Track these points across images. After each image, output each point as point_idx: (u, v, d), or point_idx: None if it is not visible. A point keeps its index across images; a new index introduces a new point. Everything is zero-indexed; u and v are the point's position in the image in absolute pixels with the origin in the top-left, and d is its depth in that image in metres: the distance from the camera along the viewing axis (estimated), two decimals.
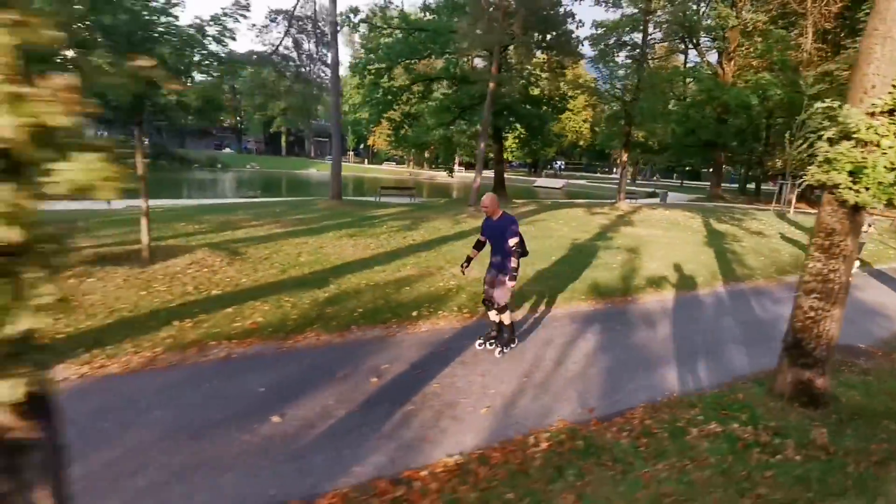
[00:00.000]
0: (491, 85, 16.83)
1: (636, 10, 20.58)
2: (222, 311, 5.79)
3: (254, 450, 3.33)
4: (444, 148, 22.31)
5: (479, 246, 5.21)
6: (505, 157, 40.40)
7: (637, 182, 58.47)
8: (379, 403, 4.03)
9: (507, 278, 4.76)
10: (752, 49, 28.84)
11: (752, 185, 35.70)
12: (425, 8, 21.80)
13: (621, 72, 21.56)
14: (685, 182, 60.64)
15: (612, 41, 21.68)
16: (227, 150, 72.71)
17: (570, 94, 22.58)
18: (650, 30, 23.21)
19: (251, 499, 2.86)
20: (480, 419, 3.91)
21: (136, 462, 3.11)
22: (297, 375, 4.41)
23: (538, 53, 19.12)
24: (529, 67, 20.16)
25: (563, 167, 76.65)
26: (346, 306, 6.24)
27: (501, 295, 4.90)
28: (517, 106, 20.21)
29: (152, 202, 17.42)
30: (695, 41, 30.22)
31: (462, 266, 5.23)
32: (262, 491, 2.94)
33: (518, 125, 21.09)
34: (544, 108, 21.86)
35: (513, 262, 4.71)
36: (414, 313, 6.19)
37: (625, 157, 21.87)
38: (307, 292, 6.66)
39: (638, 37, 21.73)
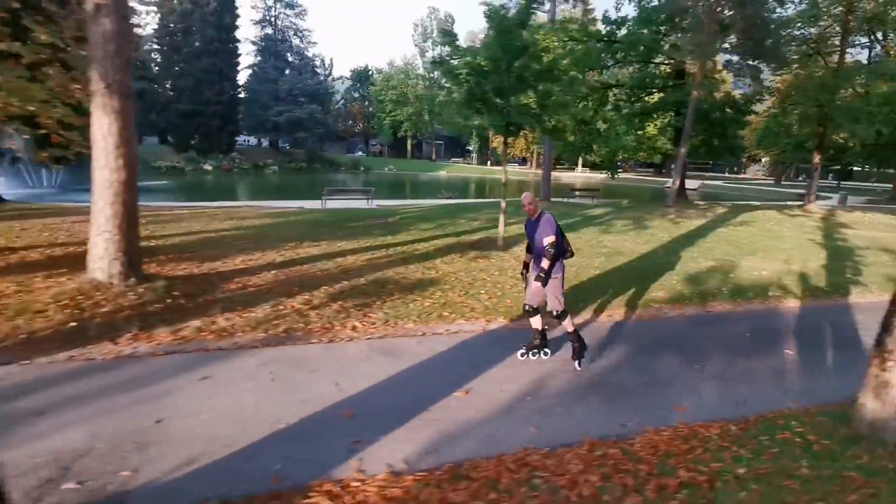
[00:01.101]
0: (694, 93, 17.82)
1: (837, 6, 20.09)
2: (627, 285, 7.72)
3: (786, 367, 5.06)
4: (632, 151, 23.56)
5: (530, 249, 4.93)
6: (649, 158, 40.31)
7: (781, 183, 54.79)
8: (816, 349, 5.62)
9: (557, 279, 4.52)
10: None
11: None
12: (607, 20, 23.07)
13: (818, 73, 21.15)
14: (841, 182, 55.51)
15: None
16: (360, 153, 79.40)
17: (758, 98, 22.72)
18: (823, 23, 22.22)
19: (820, 392, 4.53)
20: None
21: (709, 373, 4.98)
22: (761, 328, 6.15)
23: (733, 59, 19.70)
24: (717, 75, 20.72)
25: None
26: (707, 286, 7.90)
27: (553, 302, 4.59)
28: (712, 111, 20.91)
29: (379, 202, 20.31)
30: (883, 34, 28.32)
31: (522, 273, 5.04)
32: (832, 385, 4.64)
33: (704, 128, 21.62)
34: (728, 110, 22.24)
35: (544, 263, 4.38)
36: (770, 293, 7.73)
37: (817, 159, 21.58)
38: (660, 277, 8.41)
39: (808, 31, 21.09)
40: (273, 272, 7.43)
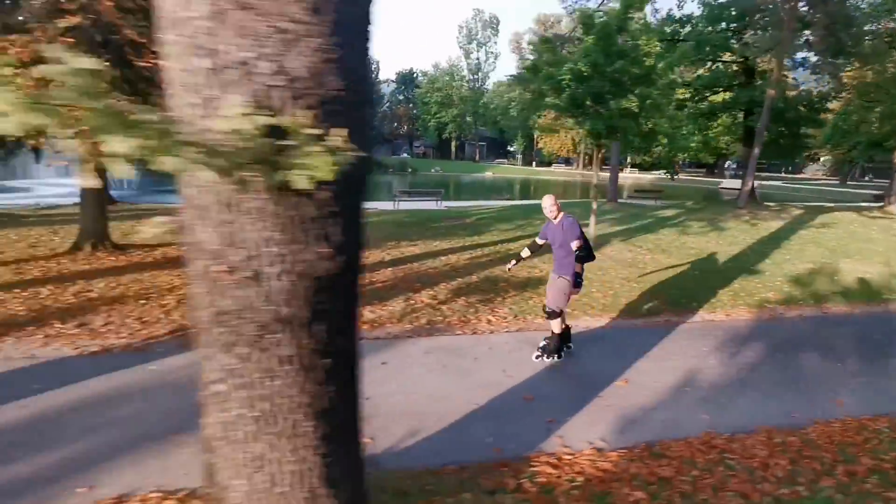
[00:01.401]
0: (770, 91, 17.42)
1: None
2: (731, 285, 7.81)
3: None
4: (694, 152, 23.24)
5: (533, 248, 5.04)
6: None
7: (847, 184, 52.23)
8: None
9: (567, 281, 4.55)
10: None
11: None
12: (671, 19, 22.74)
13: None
14: None
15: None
16: (404, 154, 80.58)
17: (835, 95, 21.94)
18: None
19: None
20: None
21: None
22: (890, 330, 6.16)
23: (810, 56, 19.15)
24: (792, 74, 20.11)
25: (735, 167, 70.40)
26: (815, 288, 7.88)
27: (555, 300, 4.62)
28: (787, 110, 20.35)
29: (447, 203, 20.54)
30: None
31: (510, 264, 5.33)
32: None
33: (777, 127, 21.02)
34: (801, 108, 21.56)
35: (576, 267, 4.52)
36: (884, 295, 7.65)
37: None
38: (761, 278, 8.44)
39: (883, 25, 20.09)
40: (389, 269, 7.92)
